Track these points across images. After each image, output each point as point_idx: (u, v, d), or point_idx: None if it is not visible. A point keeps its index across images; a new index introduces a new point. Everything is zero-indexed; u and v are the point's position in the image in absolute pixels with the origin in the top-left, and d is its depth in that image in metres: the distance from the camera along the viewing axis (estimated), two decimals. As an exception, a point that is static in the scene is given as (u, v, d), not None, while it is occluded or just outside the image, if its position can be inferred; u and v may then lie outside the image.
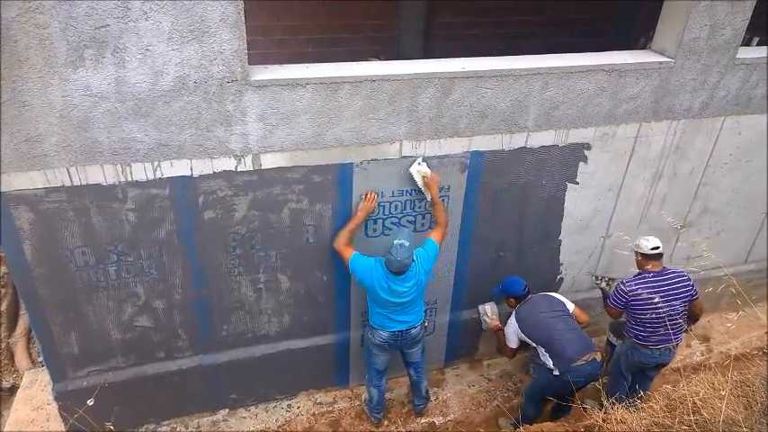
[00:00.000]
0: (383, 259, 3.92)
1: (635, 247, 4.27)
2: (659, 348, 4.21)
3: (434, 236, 4.11)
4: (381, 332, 4.21)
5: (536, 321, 4.25)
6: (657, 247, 4.17)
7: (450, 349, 5.17)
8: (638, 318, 4.17)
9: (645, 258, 4.19)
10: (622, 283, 4.22)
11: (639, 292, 4.11)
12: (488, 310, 4.80)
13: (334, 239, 4.06)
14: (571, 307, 4.37)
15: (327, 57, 4.46)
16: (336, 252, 4.07)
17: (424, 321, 4.34)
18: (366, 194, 4.03)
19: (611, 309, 4.32)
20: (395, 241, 3.85)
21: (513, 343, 4.42)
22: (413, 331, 4.26)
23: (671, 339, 4.19)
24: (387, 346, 4.31)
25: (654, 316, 4.10)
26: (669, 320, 4.08)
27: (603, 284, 4.63)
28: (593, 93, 4.11)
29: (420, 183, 4.05)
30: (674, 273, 4.19)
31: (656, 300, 4.07)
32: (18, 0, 2.81)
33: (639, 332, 4.22)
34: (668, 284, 4.14)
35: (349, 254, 4.00)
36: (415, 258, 3.96)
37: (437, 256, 4.11)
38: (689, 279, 4.19)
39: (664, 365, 4.43)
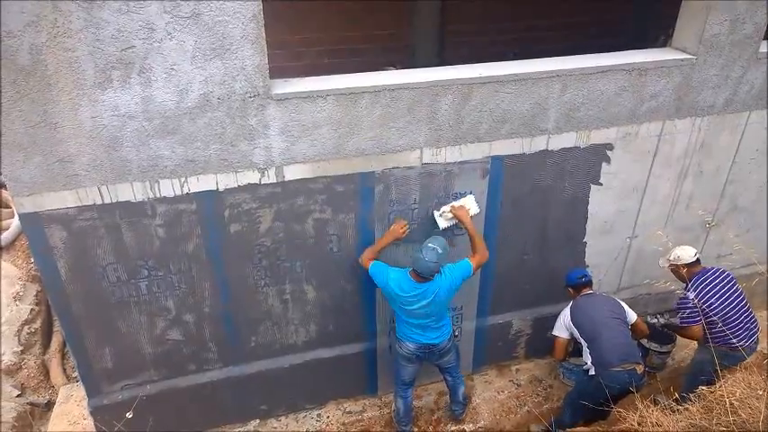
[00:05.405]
0: (406, 269, 3.94)
1: (675, 260, 4.37)
2: (746, 347, 4.17)
3: (471, 259, 4.05)
4: (408, 344, 4.21)
5: (590, 313, 4.25)
6: (697, 253, 4.42)
7: (477, 355, 5.15)
8: (721, 316, 4.15)
9: (690, 267, 4.34)
10: (681, 299, 4.29)
11: (704, 292, 4.21)
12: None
13: (361, 256, 4.10)
14: (633, 317, 4.35)
15: (344, 68, 4.51)
16: (360, 264, 4.11)
17: (452, 333, 4.32)
18: (397, 219, 4.08)
19: (691, 328, 4.24)
20: (428, 243, 3.86)
21: (559, 332, 4.38)
22: (440, 344, 4.24)
23: (753, 331, 4.21)
24: (414, 358, 4.30)
25: (728, 308, 4.17)
26: (741, 311, 4.19)
27: (663, 321, 4.80)
28: (613, 93, 4.09)
29: (445, 224, 4.10)
30: (712, 269, 4.36)
31: (721, 292, 4.21)
32: (47, 25, 2.90)
33: (724, 334, 4.12)
34: (718, 279, 4.28)
35: (369, 263, 4.04)
36: (442, 272, 3.94)
37: (467, 277, 4.04)
38: (726, 270, 4.34)
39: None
